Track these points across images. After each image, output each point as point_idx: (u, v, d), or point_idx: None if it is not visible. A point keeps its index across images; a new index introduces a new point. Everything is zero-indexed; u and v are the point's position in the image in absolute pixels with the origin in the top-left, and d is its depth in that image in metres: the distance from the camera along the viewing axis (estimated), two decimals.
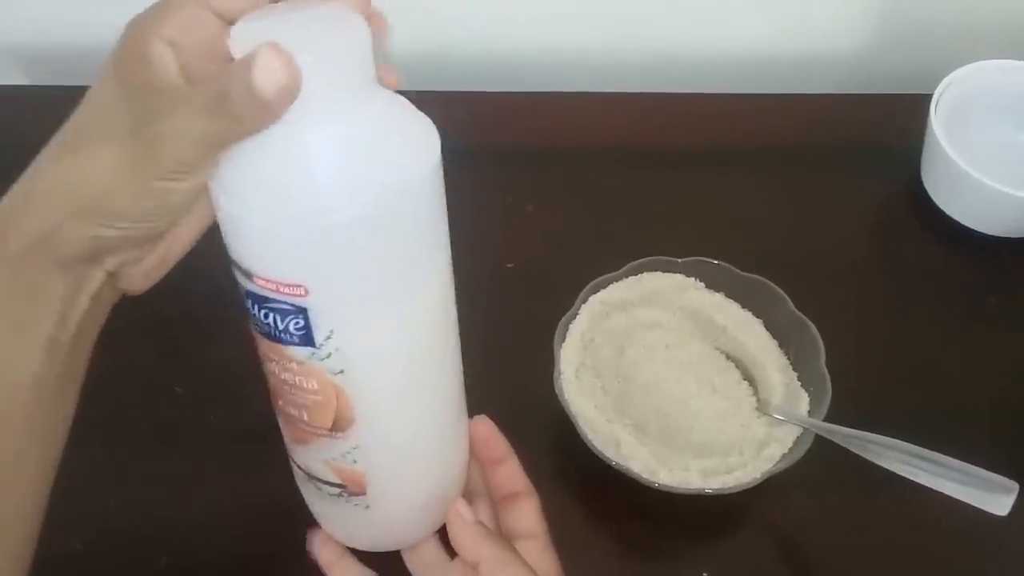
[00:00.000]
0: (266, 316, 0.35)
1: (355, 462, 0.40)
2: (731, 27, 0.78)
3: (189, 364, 0.61)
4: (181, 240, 0.38)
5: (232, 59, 0.31)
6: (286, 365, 0.37)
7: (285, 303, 0.34)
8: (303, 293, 0.34)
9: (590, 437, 0.53)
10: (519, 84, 0.75)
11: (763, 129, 0.74)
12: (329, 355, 0.36)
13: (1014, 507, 0.47)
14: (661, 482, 0.52)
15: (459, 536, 0.43)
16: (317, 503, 0.45)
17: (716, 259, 0.60)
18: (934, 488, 0.49)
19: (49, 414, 0.38)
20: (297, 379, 0.37)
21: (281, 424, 0.42)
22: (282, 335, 0.35)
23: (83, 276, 0.36)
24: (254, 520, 0.54)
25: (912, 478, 0.50)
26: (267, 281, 0.34)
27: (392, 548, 0.48)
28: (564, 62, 0.79)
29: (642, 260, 0.60)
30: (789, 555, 0.55)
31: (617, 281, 0.59)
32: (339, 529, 0.47)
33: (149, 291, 0.39)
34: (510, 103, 0.75)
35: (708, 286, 0.60)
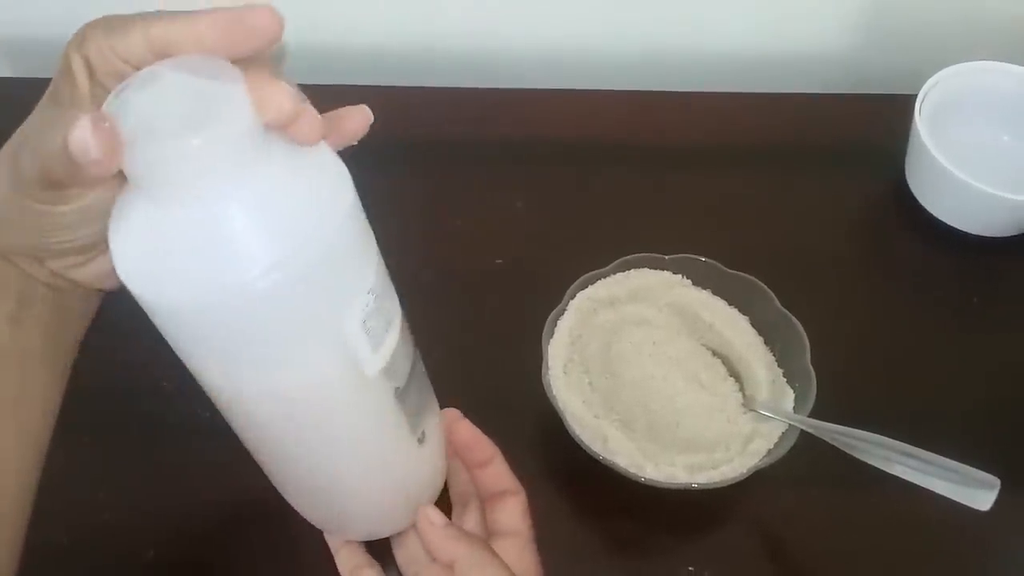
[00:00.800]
0: None
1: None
2: (717, 26, 0.78)
3: (176, 358, 0.60)
4: None
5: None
6: None
7: None
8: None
9: (577, 432, 0.53)
10: (509, 81, 0.76)
11: (749, 128, 0.74)
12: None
13: (996, 503, 0.48)
14: (647, 477, 0.52)
15: (430, 540, 0.43)
16: None
17: (703, 256, 0.60)
18: (918, 484, 0.50)
19: (19, 388, 0.37)
20: None
21: None
22: None
23: (28, 269, 0.36)
24: (241, 513, 0.54)
25: (896, 474, 0.50)
26: None
27: (336, 537, 0.48)
28: (554, 59, 0.79)
29: (630, 257, 0.60)
30: (774, 550, 0.56)
31: (605, 277, 0.60)
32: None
33: None
34: (500, 99, 0.75)
35: (695, 283, 0.60)
